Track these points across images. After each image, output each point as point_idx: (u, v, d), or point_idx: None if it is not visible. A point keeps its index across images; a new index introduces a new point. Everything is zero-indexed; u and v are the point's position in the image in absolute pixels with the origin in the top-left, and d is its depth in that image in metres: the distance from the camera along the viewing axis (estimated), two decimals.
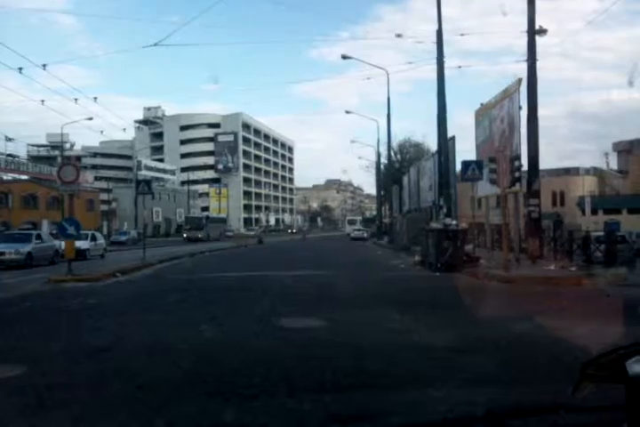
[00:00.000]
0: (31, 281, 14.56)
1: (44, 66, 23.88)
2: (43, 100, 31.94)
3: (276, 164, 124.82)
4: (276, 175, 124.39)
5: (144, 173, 70.06)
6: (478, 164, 17.28)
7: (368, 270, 17.53)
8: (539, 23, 17.24)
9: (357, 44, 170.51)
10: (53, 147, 74.54)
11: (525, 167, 16.93)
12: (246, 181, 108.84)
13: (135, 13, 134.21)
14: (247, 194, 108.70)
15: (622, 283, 12.28)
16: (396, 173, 53.76)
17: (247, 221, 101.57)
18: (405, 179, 42.32)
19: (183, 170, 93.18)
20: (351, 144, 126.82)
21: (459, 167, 20.49)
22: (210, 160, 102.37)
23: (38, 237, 22.30)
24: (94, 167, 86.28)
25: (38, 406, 4.08)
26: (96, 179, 70.18)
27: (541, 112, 17.78)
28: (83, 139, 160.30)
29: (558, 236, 19.40)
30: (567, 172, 62.83)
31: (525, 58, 17.18)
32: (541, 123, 17.38)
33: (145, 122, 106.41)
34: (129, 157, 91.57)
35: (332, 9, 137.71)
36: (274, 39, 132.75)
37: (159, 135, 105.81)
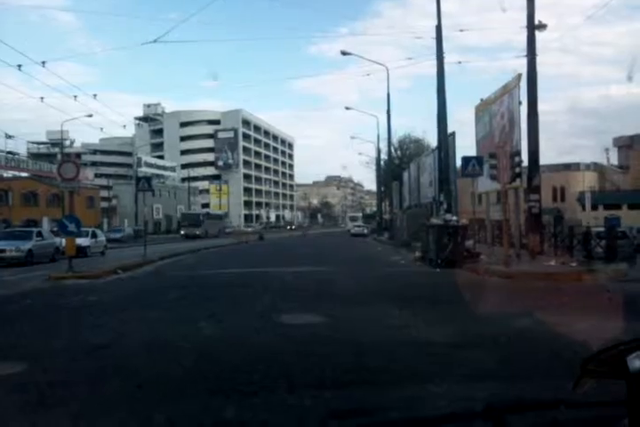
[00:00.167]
0: (32, 278, 14.57)
1: (44, 63, 23.87)
2: (42, 98, 31.88)
3: (276, 160, 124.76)
4: (276, 172, 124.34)
5: (144, 170, 69.96)
6: (478, 159, 17.26)
7: (368, 266, 17.54)
8: (538, 18, 17.21)
9: (357, 40, 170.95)
10: (53, 144, 74.55)
11: (526, 163, 16.90)
12: (246, 177, 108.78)
13: (133, 10, 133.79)
14: (247, 190, 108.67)
15: (623, 278, 12.28)
16: (397, 169, 53.70)
17: (248, 218, 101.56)
18: (405, 175, 42.29)
19: (183, 167, 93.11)
20: (351, 140, 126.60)
21: (459, 163, 20.45)
22: (210, 157, 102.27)
23: (39, 234, 22.31)
24: (94, 164, 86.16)
25: (39, 403, 4.08)
26: (96, 176, 70.11)
27: (541, 107, 17.79)
28: (82, 136, 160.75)
29: (559, 231, 19.39)
30: (567, 167, 62.73)
31: (525, 53, 17.14)
32: (541, 118, 17.38)
33: (145, 119, 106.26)
34: (129, 154, 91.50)
35: (331, 5, 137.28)
36: (273, 35, 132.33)
37: (159, 132, 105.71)
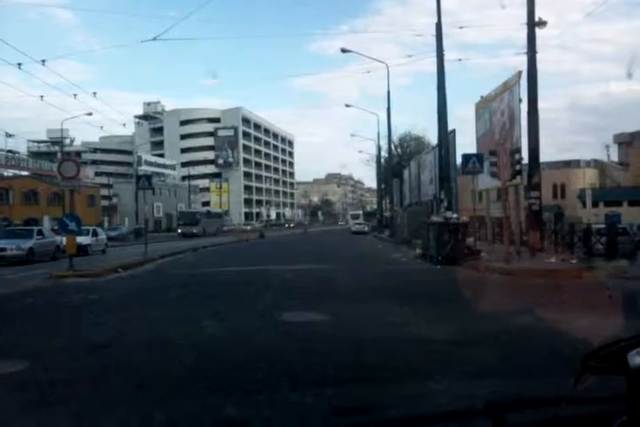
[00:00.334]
0: (33, 277, 14.58)
1: (43, 61, 23.84)
2: (42, 96, 31.83)
3: (276, 158, 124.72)
4: (276, 169, 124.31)
5: (144, 169, 69.94)
6: (479, 157, 17.25)
7: (369, 264, 17.55)
8: (538, 15, 17.18)
9: (357, 38, 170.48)
10: (53, 143, 74.55)
11: (526, 160, 16.89)
12: (247, 175, 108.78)
13: (132, 8, 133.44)
14: (248, 188, 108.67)
15: (623, 275, 12.27)
16: (397, 167, 53.67)
17: (248, 216, 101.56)
18: (406, 172, 42.27)
19: (183, 165, 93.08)
20: (351, 138, 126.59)
21: (459, 160, 20.47)
22: (210, 155, 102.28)
23: (40, 232, 22.34)
24: (94, 163, 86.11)
25: (40, 401, 4.09)
26: (96, 174, 70.09)
27: (541, 105, 17.77)
28: (82, 134, 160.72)
29: (559, 228, 19.39)
30: (568, 164, 62.72)
31: (525, 50, 17.12)
32: (541, 115, 17.33)
33: (145, 117, 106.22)
34: (129, 153, 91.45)
35: (331, 2, 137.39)
36: (273, 33, 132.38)
37: (159, 130, 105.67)
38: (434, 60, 19.58)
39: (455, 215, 17.54)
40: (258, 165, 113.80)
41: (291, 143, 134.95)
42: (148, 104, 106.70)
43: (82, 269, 15.05)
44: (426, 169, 31.53)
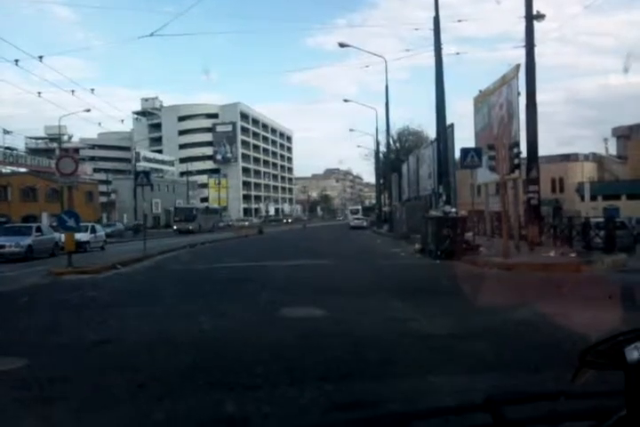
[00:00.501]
0: (31, 274, 14.58)
1: (41, 58, 23.76)
2: (40, 93, 31.68)
3: (274, 153, 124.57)
4: (275, 165, 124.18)
5: (143, 165, 69.91)
6: (477, 151, 17.24)
7: (368, 259, 17.55)
8: (536, 8, 17.16)
9: (355, 32, 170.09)
10: (51, 139, 74.47)
11: (524, 154, 16.89)
12: (245, 171, 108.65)
13: (129, 4, 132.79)
14: (246, 184, 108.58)
15: (622, 269, 12.31)
16: (395, 162, 53.62)
17: (247, 212, 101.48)
18: (404, 167, 42.25)
19: (182, 161, 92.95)
20: (350, 133, 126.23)
21: (458, 155, 20.43)
22: (208, 151, 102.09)
23: (38, 229, 22.32)
24: (92, 159, 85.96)
25: (40, 398, 4.10)
26: (95, 171, 70.04)
27: (540, 98, 17.75)
28: (80, 131, 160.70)
29: (558, 222, 19.42)
30: (566, 158, 62.62)
31: (523, 44, 17.10)
32: (540, 109, 17.32)
33: (143, 113, 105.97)
34: (127, 149, 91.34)
35: None
36: (270, 28, 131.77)
37: (157, 126, 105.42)
38: (432, 54, 19.58)
39: (454, 210, 17.53)
40: (256, 160, 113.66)
41: (289, 138, 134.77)
42: (146, 100, 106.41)
43: (81, 266, 15.03)
44: (424, 163, 31.51)
